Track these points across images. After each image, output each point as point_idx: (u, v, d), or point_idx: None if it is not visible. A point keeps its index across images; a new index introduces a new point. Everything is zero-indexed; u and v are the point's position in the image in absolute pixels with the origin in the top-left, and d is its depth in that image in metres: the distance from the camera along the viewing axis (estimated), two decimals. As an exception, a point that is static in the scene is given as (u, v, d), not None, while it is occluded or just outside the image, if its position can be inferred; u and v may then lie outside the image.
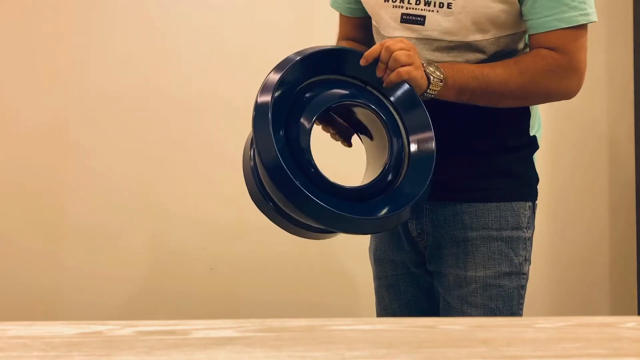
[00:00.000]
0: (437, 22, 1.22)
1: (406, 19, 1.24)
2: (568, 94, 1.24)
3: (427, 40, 1.23)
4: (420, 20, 1.23)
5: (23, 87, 2.25)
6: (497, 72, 1.19)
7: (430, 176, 1.17)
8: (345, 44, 1.42)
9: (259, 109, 1.09)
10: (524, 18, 1.22)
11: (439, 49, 1.23)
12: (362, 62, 1.15)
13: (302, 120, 1.14)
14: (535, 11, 1.18)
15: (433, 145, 1.18)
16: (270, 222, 1.26)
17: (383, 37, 1.30)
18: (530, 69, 1.19)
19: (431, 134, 1.18)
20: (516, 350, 0.63)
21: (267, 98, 1.09)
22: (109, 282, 2.25)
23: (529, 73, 1.19)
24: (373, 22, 1.35)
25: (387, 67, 1.14)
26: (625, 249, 2.43)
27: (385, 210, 1.16)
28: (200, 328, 0.68)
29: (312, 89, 1.16)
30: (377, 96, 1.20)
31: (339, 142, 1.29)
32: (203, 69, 2.29)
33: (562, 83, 1.22)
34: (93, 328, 0.68)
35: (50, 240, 2.24)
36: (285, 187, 1.08)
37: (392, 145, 1.18)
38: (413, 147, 1.19)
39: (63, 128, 2.25)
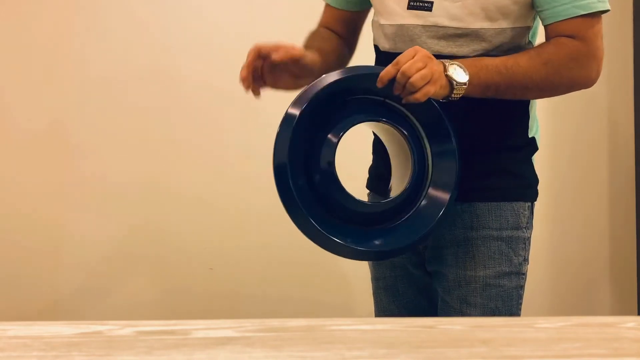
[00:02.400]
0: (445, 8, 1.20)
1: (413, 5, 1.22)
2: (588, 82, 1.22)
3: (433, 28, 1.22)
4: (427, 6, 1.21)
5: (22, 88, 2.25)
6: (522, 65, 1.18)
7: (439, 217, 1.18)
8: (323, 31, 1.41)
9: (285, 121, 1.15)
10: (538, 9, 1.21)
11: (445, 37, 1.22)
12: (378, 84, 1.14)
13: (328, 138, 1.17)
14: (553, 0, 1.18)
15: (453, 176, 1.19)
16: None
17: (383, 27, 1.29)
18: (553, 59, 1.18)
19: (454, 164, 1.19)
20: (516, 350, 0.63)
21: (290, 124, 1.14)
22: (108, 282, 2.25)
23: (552, 64, 1.18)
24: (373, 18, 1.34)
25: (404, 87, 1.13)
26: (625, 249, 2.43)
27: (384, 243, 1.20)
28: (200, 328, 0.68)
29: (334, 111, 1.18)
30: (398, 110, 1.20)
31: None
32: (201, 67, 2.29)
33: (583, 71, 1.20)
34: (93, 328, 0.68)
35: (50, 240, 2.24)
36: (281, 192, 1.14)
37: (414, 167, 1.19)
38: (434, 176, 1.20)
39: (62, 128, 2.25)
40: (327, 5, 1.43)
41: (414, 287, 1.38)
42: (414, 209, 1.21)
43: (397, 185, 1.24)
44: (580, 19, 1.18)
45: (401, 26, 1.24)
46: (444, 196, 1.19)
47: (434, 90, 1.12)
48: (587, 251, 2.44)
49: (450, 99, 1.16)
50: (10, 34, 2.24)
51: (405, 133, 1.18)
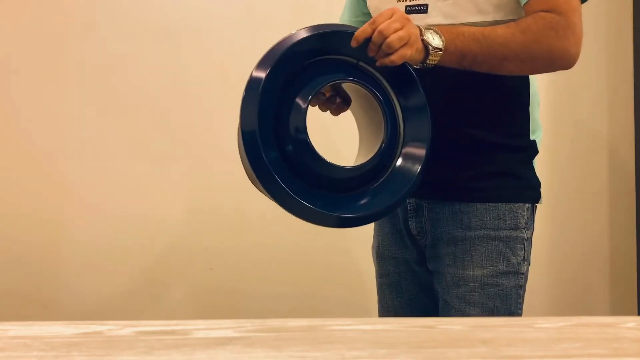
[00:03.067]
0: (439, 8, 1.23)
1: (410, 10, 1.25)
2: (567, 57, 1.19)
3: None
4: (423, 8, 1.24)
5: (23, 87, 2.25)
6: (499, 33, 1.16)
7: (414, 180, 1.16)
8: None
9: (251, 84, 1.10)
10: None
11: None
12: (353, 43, 1.12)
13: (296, 102, 1.12)
14: None
15: (427, 132, 1.17)
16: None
17: None
18: (531, 28, 1.16)
19: (426, 121, 1.17)
20: (516, 350, 0.63)
21: (260, 76, 1.10)
22: (109, 283, 2.25)
23: (530, 31, 1.16)
24: None
25: (379, 48, 1.11)
26: (625, 249, 2.43)
27: (366, 206, 1.16)
28: (200, 328, 0.68)
29: (303, 72, 1.14)
30: (370, 73, 1.18)
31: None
32: (201, 68, 2.29)
33: (563, 43, 1.17)
34: (93, 328, 0.68)
35: (50, 240, 2.24)
36: (252, 161, 1.09)
37: (387, 128, 1.16)
38: (407, 137, 1.19)
39: (62, 127, 2.25)
40: None
41: (417, 284, 1.38)
42: (391, 169, 1.18)
43: (366, 152, 1.21)
44: None
45: None
46: (420, 151, 1.17)
47: (410, 53, 1.10)
48: (587, 251, 2.44)
49: (424, 65, 1.14)
50: (11, 32, 2.24)
51: (377, 94, 1.16)
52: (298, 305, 2.27)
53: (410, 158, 1.18)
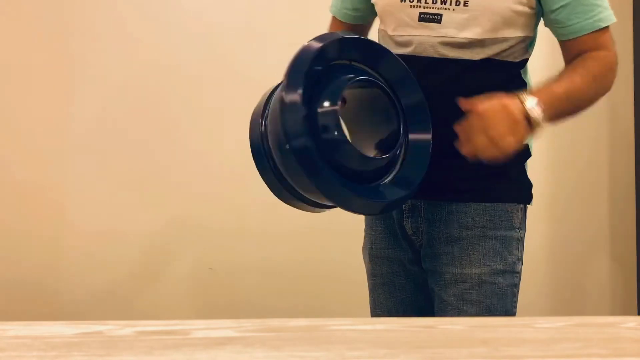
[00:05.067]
0: (453, 20, 1.25)
1: (424, 18, 1.27)
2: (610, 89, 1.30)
3: (442, 38, 1.26)
4: (437, 18, 1.26)
5: (23, 86, 2.25)
6: (580, 87, 1.23)
7: (428, 155, 1.22)
8: None
9: (289, 106, 1.11)
10: (556, 25, 1.26)
11: (452, 45, 1.25)
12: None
13: (325, 103, 1.15)
14: (575, 16, 1.24)
15: (428, 125, 1.23)
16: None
17: (392, 37, 1.32)
18: (598, 74, 1.24)
19: (426, 115, 1.23)
20: (516, 350, 0.63)
21: (298, 81, 1.11)
22: (109, 282, 2.25)
23: (599, 78, 1.25)
24: (380, 27, 1.36)
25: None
26: (625, 249, 2.43)
27: (390, 194, 1.20)
28: (200, 328, 0.68)
29: (320, 80, 1.17)
30: (367, 71, 1.22)
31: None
32: (203, 67, 2.29)
33: (614, 78, 1.28)
34: (93, 328, 0.68)
35: (50, 241, 2.25)
36: (312, 172, 1.11)
37: (400, 119, 1.21)
38: (411, 132, 1.23)
39: (63, 126, 2.25)
40: (334, 18, 1.47)
41: (411, 283, 1.38)
42: (402, 156, 1.23)
43: (367, 145, 1.24)
44: (602, 31, 1.25)
45: (413, 37, 1.28)
46: (426, 131, 1.23)
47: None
48: (588, 251, 2.44)
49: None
50: (11, 32, 2.24)
51: (386, 88, 1.21)
52: (298, 305, 2.27)
53: (419, 140, 1.23)
